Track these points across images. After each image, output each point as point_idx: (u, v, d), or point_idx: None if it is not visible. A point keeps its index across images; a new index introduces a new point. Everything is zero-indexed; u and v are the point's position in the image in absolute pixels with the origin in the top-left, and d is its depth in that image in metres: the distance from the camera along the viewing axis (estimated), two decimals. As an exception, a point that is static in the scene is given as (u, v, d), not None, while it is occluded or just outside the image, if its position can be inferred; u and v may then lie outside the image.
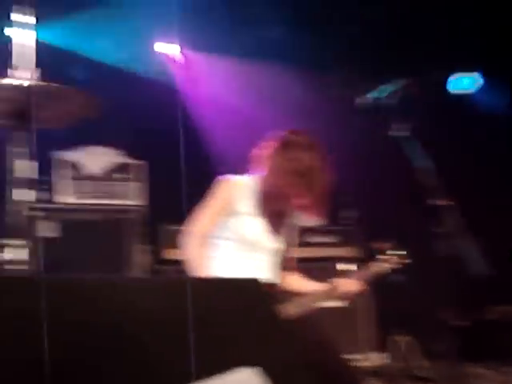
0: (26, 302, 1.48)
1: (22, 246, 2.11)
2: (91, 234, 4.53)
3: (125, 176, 4.70)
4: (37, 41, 2.15)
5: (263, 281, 2.70)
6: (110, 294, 1.64)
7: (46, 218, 4.37)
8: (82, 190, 4.61)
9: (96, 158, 4.67)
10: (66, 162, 4.59)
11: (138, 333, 1.61)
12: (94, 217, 4.58)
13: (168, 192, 4.92)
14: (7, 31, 4.74)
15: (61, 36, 4.88)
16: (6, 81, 1.99)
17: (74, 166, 4.61)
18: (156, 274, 4.52)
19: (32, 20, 2.17)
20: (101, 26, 4.94)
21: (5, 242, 2.08)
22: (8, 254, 2.11)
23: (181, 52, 5.46)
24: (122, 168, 4.71)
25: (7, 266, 2.10)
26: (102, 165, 4.68)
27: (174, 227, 4.44)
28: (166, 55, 5.43)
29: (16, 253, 2.09)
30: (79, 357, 1.51)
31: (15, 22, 2.14)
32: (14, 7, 2.17)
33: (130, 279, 2.71)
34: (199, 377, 1.67)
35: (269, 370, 1.76)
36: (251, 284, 1.93)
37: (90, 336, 1.53)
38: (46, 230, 4.36)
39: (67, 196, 4.58)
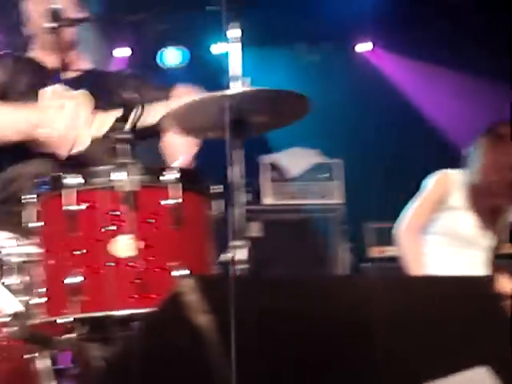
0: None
1: (243, 247, 2.22)
2: (293, 233, 4.67)
3: (324, 175, 4.80)
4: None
5: (487, 278, 2.64)
6: (326, 292, 1.66)
7: (251, 219, 4.58)
8: (284, 190, 4.78)
9: (296, 159, 4.81)
10: (268, 164, 4.78)
11: (357, 332, 1.61)
12: (296, 216, 4.73)
13: (368, 190, 4.95)
14: (214, 48, 5.07)
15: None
16: (226, 91, 2.12)
17: (276, 168, 4.79)
18: (361, 273, 4.55)
19: (239, 33, 2.30)
20: (295, 28, 5.07)
21: (231, 243, 2.21)
22: (232, 254, 2.23)
23: (377, 51, 5.46)
24: (321, 168, 4.82)
25: (236, 266, 2.22)
26: (303, 165, 4.81)
27: (379, 225, 4.45)
28: (364, 55, 5.46)
29: (239, 253, 2.21)
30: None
31: (230, 37, 2.28)
32: (230, 24, 2.29)
33: (340, 277, 2.75)
34: (432, 377, 1.66)
35: (499, 370, 1.72)
36: (481, 281, 1.90)
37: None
38: (252, 230, 4.59)
39: (269, 197, 4.77)
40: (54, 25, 2.52)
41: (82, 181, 1.75)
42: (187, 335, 1.30)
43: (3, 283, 2.06)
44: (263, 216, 4.70)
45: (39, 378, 1.98)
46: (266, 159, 4.80)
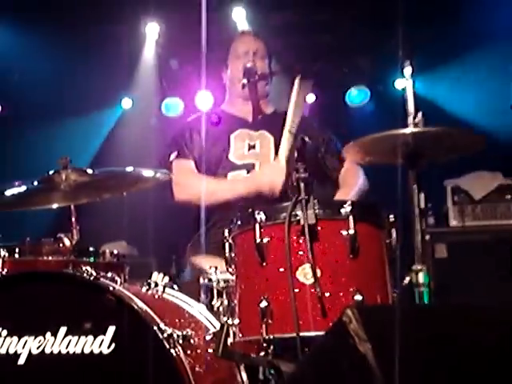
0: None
1: (422, 271, 2.28)
2: (479, 256, 4.62)
3: (509, 196, 4.74)
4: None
5: None
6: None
7: (437, 241, 4.63)
8: (468, 212, 4.78)
9: (480, 182, 4.80)
10: (452, 188, 4.81)
11: None
12: (481, 238, 4.69)
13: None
14: (398, 83, 5.25)
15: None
16: (406, 129, 2.21)
17: (460, 192, 4.81)
18: None
19: (409, 71, 2.41)
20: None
21: (413, 267, 2.25)
22: (411, 278, 2.30)
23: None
24: (507, 189, 4.75)
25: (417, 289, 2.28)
26: (487, 188, 4.78)
27: None
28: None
29: (419, 277, 2.27)
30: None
31: (406, 74, 2.40)
32: (405, 62, 2.42)
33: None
34: None
35: None
36: None
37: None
38: (438, 252, 4.67)
39: (454, 219, 4.79)
40: (245, 80, 3.02)
41: (265, 217, 1.99)
42: (350, 362, 1.40)
43: (212, 305, 2.38)
44: (449, 238, 4.73)
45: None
46: (450, 183, 4.83)
